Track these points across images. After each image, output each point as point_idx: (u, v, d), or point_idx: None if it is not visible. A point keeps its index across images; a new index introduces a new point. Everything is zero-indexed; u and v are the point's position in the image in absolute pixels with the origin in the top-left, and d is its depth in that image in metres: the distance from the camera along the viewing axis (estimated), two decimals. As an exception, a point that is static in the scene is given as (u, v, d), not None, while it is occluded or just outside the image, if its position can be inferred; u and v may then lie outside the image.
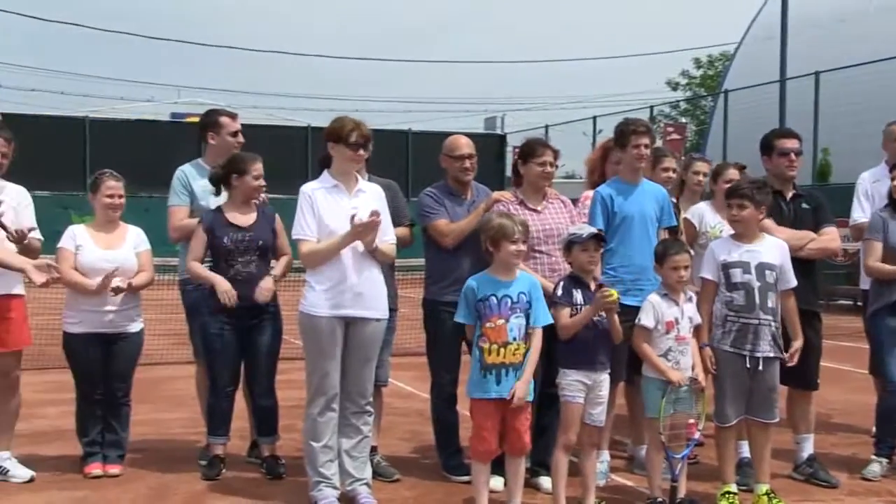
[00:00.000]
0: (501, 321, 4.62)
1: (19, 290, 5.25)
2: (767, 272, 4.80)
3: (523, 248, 4.63)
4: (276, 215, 5.74)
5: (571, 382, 4.68)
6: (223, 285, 5.19)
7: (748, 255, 4.86)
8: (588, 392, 4.69)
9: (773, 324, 4.85)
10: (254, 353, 5.47)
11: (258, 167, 5.42)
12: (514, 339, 4.58)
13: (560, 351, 4.72)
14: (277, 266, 5.61)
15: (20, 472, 5.21)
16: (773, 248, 4.92)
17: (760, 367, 4.79)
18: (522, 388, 4.46)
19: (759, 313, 4.78)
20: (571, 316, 4.63)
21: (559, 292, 4.76)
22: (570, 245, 4.76)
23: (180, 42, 58.48)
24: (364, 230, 4.58)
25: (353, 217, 4.64)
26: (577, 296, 4.72)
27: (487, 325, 4.62)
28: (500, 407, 4.51)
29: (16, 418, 5.41)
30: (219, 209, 5.44)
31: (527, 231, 4.71)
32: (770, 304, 4.80)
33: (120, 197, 5.37)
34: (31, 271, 4.81)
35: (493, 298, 4.63)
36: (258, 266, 5.41)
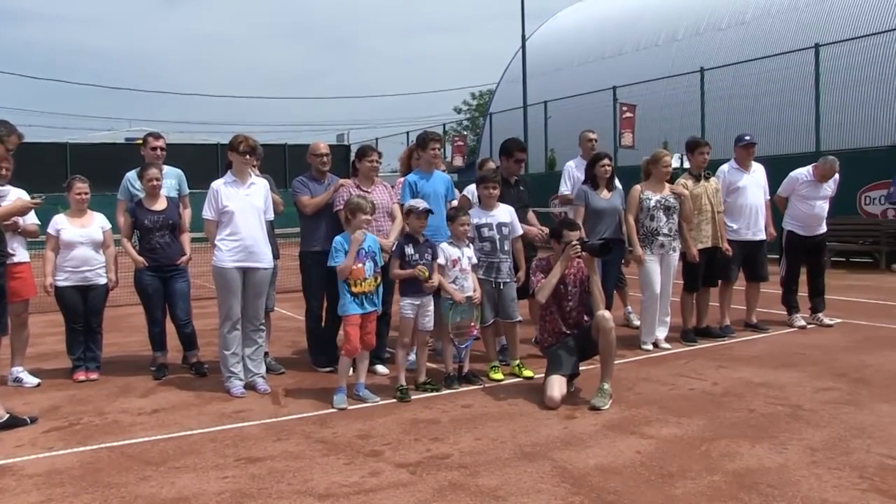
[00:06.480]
0: (361, 265, 5.98)
1: (26, 258, 6.88)
2: (504, 228, 6.75)
3: (370, 218, 6.22)
4: (182, 200, 7.32)
5: (406, 304, 6.24)
6: (138, 260, 6.92)
7: (492, 218, 6.76)
8: (419, 309, 6.21)
9: (507, 260, 6.76)
10: (173, 295, 7.10)
11: (149, 174, 6.99)
12: (368, 276, 6.00)
13: (400, 284, 6.30)
14: (185, 244, 7.14)
15: (30, 380, 6.90)
16: (505, 212, 6.85)
17: (502, 288, 6.74)
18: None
19: (499, 255, 6.71)
20: (402, 265, 6.18)
21: (394, 249, 6.21)
22: (408, 213, 6.28)
23: (130, 90, 70.10)
24: None
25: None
26: (409, 249, 6.26)
27: (353, 267, 5.94)
28: (361, 319, 5.99)
29: (26, 344, 7.07)
30: (139, 201, 7.11)
31: (374, 208, 6.30)
32: (506, 248, 6.75)
33: (86, 194, 7.09)
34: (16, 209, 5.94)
35: None
36: (171, 237, 7.06)
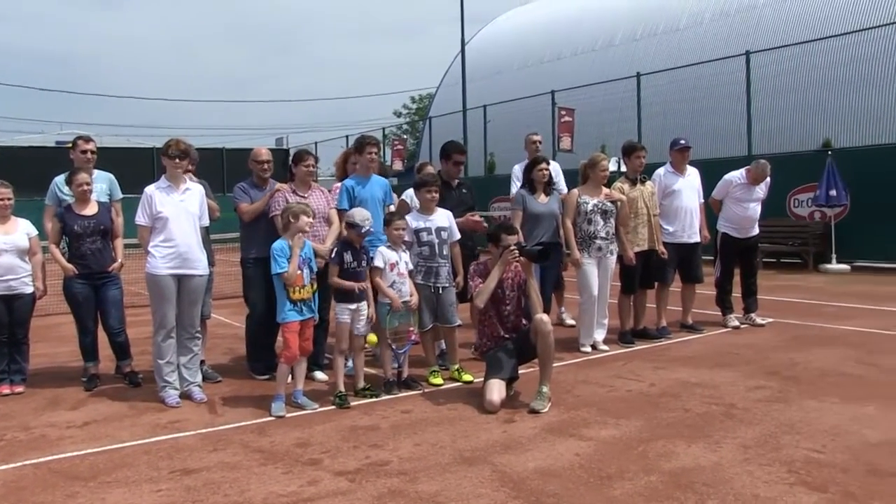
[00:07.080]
0: (299, 272, 5.95)
1: None
2: (442, 232, 6.76)
3: (312, 221, 6.15)
4: (113, 206, 7.09)
5: (341, 309, 6.17)
6: (67, 267, 6.69)
7: (430, 222, 6.76)
8: (353, 314, 6.16)
9: (446, 265, 6.76)
10: (105, 303, 6.91)
11: (79, 178, 6.79)
12: (306, 283, 5.97)
13: (335, 291, 6.20)
14: (118, 250, 6.95)
15: (-51, 395, 6.53)
16: (443, 216, 6.86)
17: (441, 292, 6.72)
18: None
19: (437, 259, 6.69)
20: (341, 272, 6.09)
21: (333, 256, 6.12)
22: (350, 226, 6.19)
23: (62, 92, 67.91)
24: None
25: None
26: (347, 256, 6.19)
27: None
28: (300, 326, 5.95)
29: None
30: (69, 205, 6.89)
31: (313, 213, 6.27)
32: (444, 252, 6.75)
33: (9, 199, 6.86)
34: None
35: None
36: (102, 242, 6.84)
